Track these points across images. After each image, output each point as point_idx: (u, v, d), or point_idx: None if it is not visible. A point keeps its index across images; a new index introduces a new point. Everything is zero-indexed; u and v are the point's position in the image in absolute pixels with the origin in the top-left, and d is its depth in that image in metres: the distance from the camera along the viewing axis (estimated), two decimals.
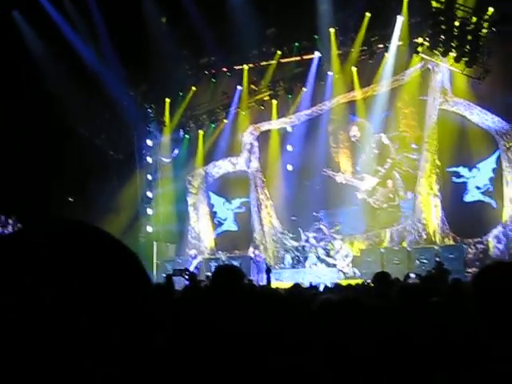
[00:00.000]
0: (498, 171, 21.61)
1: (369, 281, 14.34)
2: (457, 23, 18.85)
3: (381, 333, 3.00)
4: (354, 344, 2.92)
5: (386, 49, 23.04)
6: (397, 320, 4.25)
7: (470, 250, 21.52)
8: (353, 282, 14.64)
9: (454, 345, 3.74)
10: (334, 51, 23.89)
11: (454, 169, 22.44)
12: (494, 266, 2.43)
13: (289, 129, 26.08)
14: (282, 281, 19.45)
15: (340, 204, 24.51)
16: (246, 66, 25.68)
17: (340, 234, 23.82)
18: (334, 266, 21.91)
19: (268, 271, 11.33)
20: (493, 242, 21.31)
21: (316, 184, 24.54)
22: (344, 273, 21.56)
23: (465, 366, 2.32)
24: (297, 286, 8.64)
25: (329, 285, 15.51)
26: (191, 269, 22.26)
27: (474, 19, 18.81)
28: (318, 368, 2.88)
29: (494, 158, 21.72)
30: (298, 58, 24.83)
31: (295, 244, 23.78)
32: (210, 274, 23.11)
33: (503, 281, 2.30)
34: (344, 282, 14.19)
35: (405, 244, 22.95)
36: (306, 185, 24.84)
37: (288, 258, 23.50)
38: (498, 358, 2.21)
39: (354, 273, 21.65)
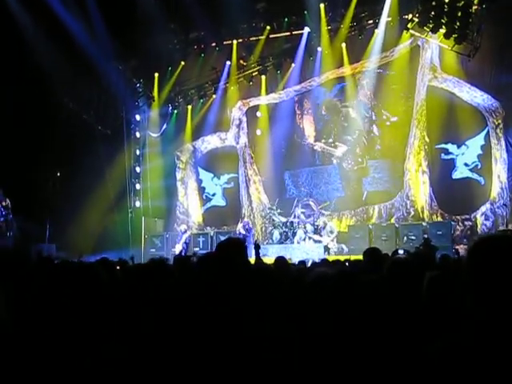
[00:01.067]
0: (486, 148, 21.65)
1: (353, 257, 14.42)
2: (447, 0, 18.79)
3: (375, 304, 3.02)
4: (350, 315, 2.93)
5: (376, 25, 22.98)
6: (389, 293, 4.26)
7: (457, 226, 21.62)
8: (338, 257, 14.71)
9: (450, 316, 3.75)
10: (324, 27, 23.81)
11: (443, 145, 22.47)
12: (488, 239, 2.42)
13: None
14: (270, 256, 19.46)
15: (311, 165, 25.47)
16: (235, 41, 25.59)
17: (327, 209, 23.96)
18: (321, 242, 21.97)
19: (257, 247, 11.32)
20: (480, 219, 21.41)
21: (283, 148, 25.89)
22: (330, 248, 21.63)
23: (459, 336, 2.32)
24: (280, 258, 8.58)
25: (317, 260, 15.55)
26: (180, 244, 22.38)
27: None
28: (315, 337, 2.90)
29: (482, 135, 21.74)
30: (287, 34, 24.75)
31: (283, 220, 23.81)
32: (197, 249, 23.28)
33: (499, 254, 2.29)
34: (331, 258, 14.21)
35: (393, 220, 23.04)
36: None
37: (276, 234, 23.52)
38: (492, 334, 2.21)
39: (342, 249, 21.73)
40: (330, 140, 25.05)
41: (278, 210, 24.25)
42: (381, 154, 24.08)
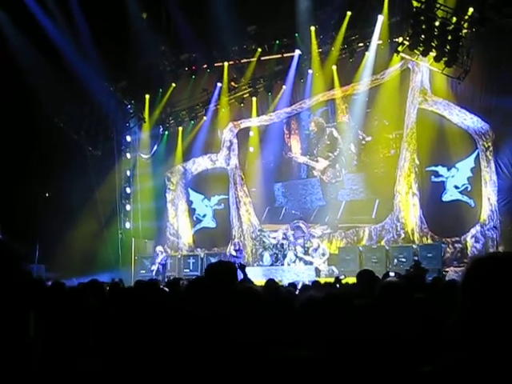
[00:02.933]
0: (476, 171, 21.68)
1: (342, 277, 14.40)
2: (437, 23, 18.87)
3: (365, 328, 3.00)
4: (339, 339, 2.91)
5: (367, 48, 23.09)
6: (380, 316, 4.24)
7: (448, 249, 21.61)
8: (328, 279, 14.70)
9: (440, 339, 3.73)
10: (315, 49, 23.92)
11: (433, 168, 22.50)
12: (486, 259, 2.39)
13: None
14: (260, 279, 19.43)
15: (298, 178, 26.24)
16: (226, 63, 25.65)
17: (314, 222, 24.09)
18: (311, 263, 21.95)
19: (242, 267, 11.18)
20: (471, 241, 21.40)
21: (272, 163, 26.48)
22: (320, 271, 21.62)
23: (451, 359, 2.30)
24: (271, 281, 8.58)
25: (307, 282, 15.52)
26: (156, 264, 22.49)
27: (454, 19, 18.86)
28: (302, 361, 2.86)
29: (472, 157, 21.78)
30: (278, 56, 24.85)
31: (274, 242, 23.82)
32: (187, 270, 23.25)
33: (498, 274, 2.25)
34: (322, 280, 14.18)
35: (383, 242, 23.04)
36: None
37: (266, 256, 23.51)
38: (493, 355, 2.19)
39: (332, 271, 21.71)
40: (313, 155, 25.51)
41: (268, 232, 24.34)
42: (357, 169, 24.62)
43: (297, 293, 8.79)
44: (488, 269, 2.29)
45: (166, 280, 20.31)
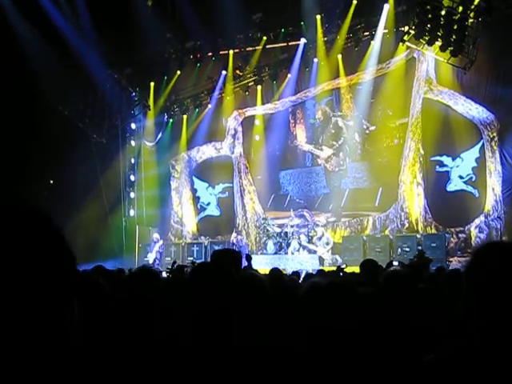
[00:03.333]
0: (481, 161, 21.66)
1: (343, 266, 14.41)
2: (443, 12, 18.78)
3: (369, 316, 3.00)
4: (342, 327, 2.91)
5: (372, 37, 23.05)
6: (385, 304, 4.24)
7: (451, 239, 21.61)
8: (332, 268, 14.68)
9: (442, 328, 3.74)
10: (320, 38, 23.88)
11: (438, 158, 22.48)
12: (488, 248, 2.37)
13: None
14: (264, 267, 19.44)
15: (303, 166, 26.34)
16: (231, 51, 25.60)
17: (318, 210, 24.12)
18: (315, 252, 21.98)
19: (248, 258, 11.16)
20: (474, 231, 21.39)
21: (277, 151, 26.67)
22: (324, 259, 21.64)
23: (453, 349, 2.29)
24: (276, 270, 8.58)
25: (310, 271, 15.54)
26: (153, 253, 22.38)
27: (461, 9, 18.78)
28: (304, 347, 2.87)
29: (477, 147, 21.75)
30: (283, 44, 24.79)
31: (278, 230, 23.84)
32: (192, 258, 23.25)
33: (500, 262, 2.24)
34: (326, 269, 14.19)
35: (387, 232, 23.04)
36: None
37: (270, 244, 23.51)
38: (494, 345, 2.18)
39: (336, 260, 21.71)
40: (318, 144, 25.61)
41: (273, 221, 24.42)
42: (360, 158, 24.71)
43: (300, 281, 8.83)
44: (490, 257, 2.29)
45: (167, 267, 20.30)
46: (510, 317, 2.16)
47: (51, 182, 22.60)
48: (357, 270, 8.10)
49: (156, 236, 23.36)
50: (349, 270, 10.67)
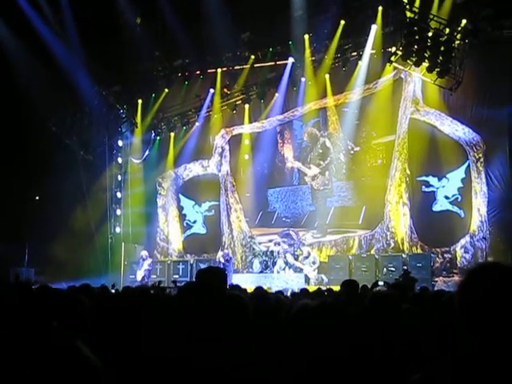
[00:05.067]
0: (466, 182, 21.75)
1: (325, 288, 14.41)
2: (430, 34, 18.93)
3: (356, 336, 3.01)
4: (332, 348, 2.92)
5: (360, 57, 23.17)
6: (371, 325, 4.26)
7: (437, 259, 21.65)
8: (315, 288, 14.69)
9: (426, 348, 3.75)
10: (308, 57, 24.00)
11: (424, 178, 22.55)
12: (481, 270, 2.36)
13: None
14: (250, 285, 19.41)
15: (290, 185, 26.46)
16: (219, 70, 25.69)
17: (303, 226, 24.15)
18: (301, 271, 21.96)
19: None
20: (460, 251, 21.44)
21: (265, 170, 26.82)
22: (310, 278, 21.64)
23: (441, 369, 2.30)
24: (259, 288, 8.60)
25: (296, 290, 15.53)
26: (142, 270, 22.18)
27: (448, 30, 18.93)
28: (294, 370, 2.88)
29: (463, 168, 21.85)
30: (271, 63, 24.92)
31: (264, 249, 23.86)
32: (177, 276, 23.19)
33: (496, 284, 2.23)
34: (311, 289, 14.18)
35: (373, 251, 23.07)
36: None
37: (256, 263, 23.52)
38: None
39: (322, 279, 21.73)
40: (306, 162, 25.74)
41: (259, 239, 24.43)
42: (345, 177, 24.83)
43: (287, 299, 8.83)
44: (486, 278, 2.27)
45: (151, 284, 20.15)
46: (506, 340, 2.15)
47: (37, 198, 22.49)
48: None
49: (144, 253, 23.10)
50: (335, 288, 10.70)
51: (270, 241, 24.78)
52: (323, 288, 13.56)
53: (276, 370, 2.90)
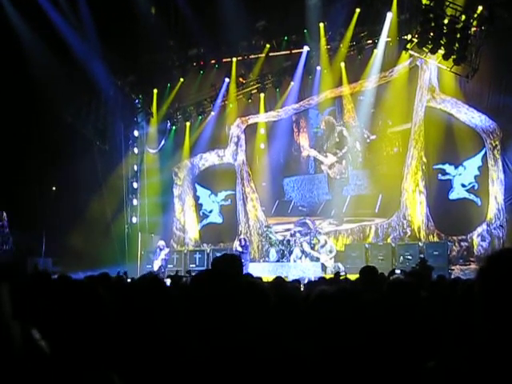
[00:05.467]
0: (483, 169, 21.66)
1: (342, 273, 14.40)
2: (446, 21, 18.81)
3: (374, 323, 3.02)
4: (350, 333, 2.93)
5: (375, 45, 23.06)
6: (388, 311, 4.26)
7: (454, 247, 21.59)
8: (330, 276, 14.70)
9: (443, 335, 3.75)
10: (323, 46, 23.92)
11: (440, 166, 22.48)
12: (500, 256, 2.33)
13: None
14: (267, 275, 19.43)
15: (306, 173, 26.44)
16: (234, 59, 25.67)
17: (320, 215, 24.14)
18: (318, 259, 21.95)
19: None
20: (477, 239, 21.37)
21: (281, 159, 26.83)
22: (327, 267, 21.62)
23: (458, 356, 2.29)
24: (279, 278, 8.60)
25: (312, 279, 15.53)
26: (159, 260, 22.22)
27: (464, 17, 18.81)
28: (313, 354, 2.88)
29: (479, 156, 21.75)
30: (286, 52, 24.85)
31: (280, 238, 23.86)
32: (193, 266, 23.23)
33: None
34: (327, 276, 14.19)
35: (389, 240, 23.03)
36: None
37: (273, 252, 23.50)
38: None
39: (338, 267, 21.68)
40: (323, 151, 25.75)
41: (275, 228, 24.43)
42: (362, 166, 24.82)
43: (302, 289, 8.85)
44: (504, 266, 2.25)
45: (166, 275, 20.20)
46: None
47: (53, 188, 22.57)
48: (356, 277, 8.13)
49: (162, 243, 23.14)
50: (352, 277, 10.67)
51: (287, 230, 24.81)
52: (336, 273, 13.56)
53: (296, 353, 2.91)
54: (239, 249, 22.27)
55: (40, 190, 22.38)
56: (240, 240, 22.99)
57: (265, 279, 9.67)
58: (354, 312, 3.00)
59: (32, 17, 21.20)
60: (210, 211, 27.57)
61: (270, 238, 24.13)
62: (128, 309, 3.68)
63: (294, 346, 2.93)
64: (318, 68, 24.51)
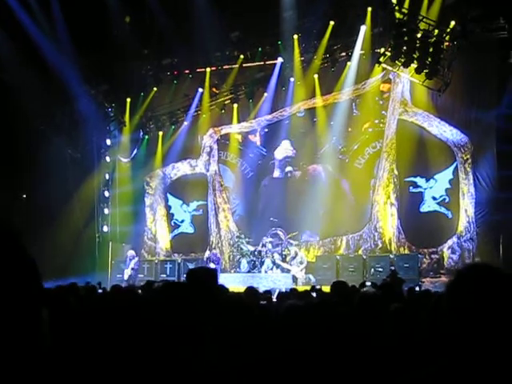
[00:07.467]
0: (454, 183, 21.85)
1: (318, 286, 14.42)
2: (419, 35, 18.98)
3: (345, 336, 3.01)
4: (319, 346, 2.92)
5: (349, 57, 23.21)
6: (359, 325, 4.26)
7: (424, 259, 21.72)
8: (305, 287, 14.68)
9: (414, 347, 3.75)
10: (297, 57, 24.00)
11: (412, 179, 22.63)
12: (469, 270, 2.35)
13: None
14: (238, 285, 19.37)
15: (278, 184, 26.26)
16: (208, 69, 25.63)
17: (295, 239, 24.09)
18: (289, 271, 21.96)
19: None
20: (447, 252, 21.52)
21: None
22: (298, 278, 21.63)
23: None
24: (251, 288, 8.58)
25: (283, 290, 15.53)
26: (129, 269, 22.11)
27: (436, 32, 18.99)
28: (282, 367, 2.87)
29: (451, 169, 21.94)
30: (260, 63, 24.89)
31: (251, 248, 23.82)
32: (164, 276, 23.14)
33: (485, 285, 2.22)
34: (299, 288, 14.18)
35: (360, 252, 23.10)
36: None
37: (244, 263, 23.46)
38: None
39: (309, 279, 21.71)
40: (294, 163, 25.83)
41: (246, 239, 24.32)
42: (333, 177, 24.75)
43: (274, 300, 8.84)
44: (473, 280, 2.26)
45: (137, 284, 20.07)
46: (493, 340, 2.15)
47: (24, 196, 22.40)
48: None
49: (131, 253, 23.02)
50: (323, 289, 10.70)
51: (259, 241, 24.74)
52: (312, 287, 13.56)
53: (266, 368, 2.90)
54: (210, 261, 22.18)
55: (10, 198, 22.19)
56: (212, 254, 22.86)
57: (236, 290, 9.66)
58: (324, 325, 3.00)
59: (4, 23, 21.04)
60: (182, 221, 27.48)
61: (241, 249, 24.10)
62: (101, 320, 3.65)
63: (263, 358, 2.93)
64: (292, 79, 24.60)
